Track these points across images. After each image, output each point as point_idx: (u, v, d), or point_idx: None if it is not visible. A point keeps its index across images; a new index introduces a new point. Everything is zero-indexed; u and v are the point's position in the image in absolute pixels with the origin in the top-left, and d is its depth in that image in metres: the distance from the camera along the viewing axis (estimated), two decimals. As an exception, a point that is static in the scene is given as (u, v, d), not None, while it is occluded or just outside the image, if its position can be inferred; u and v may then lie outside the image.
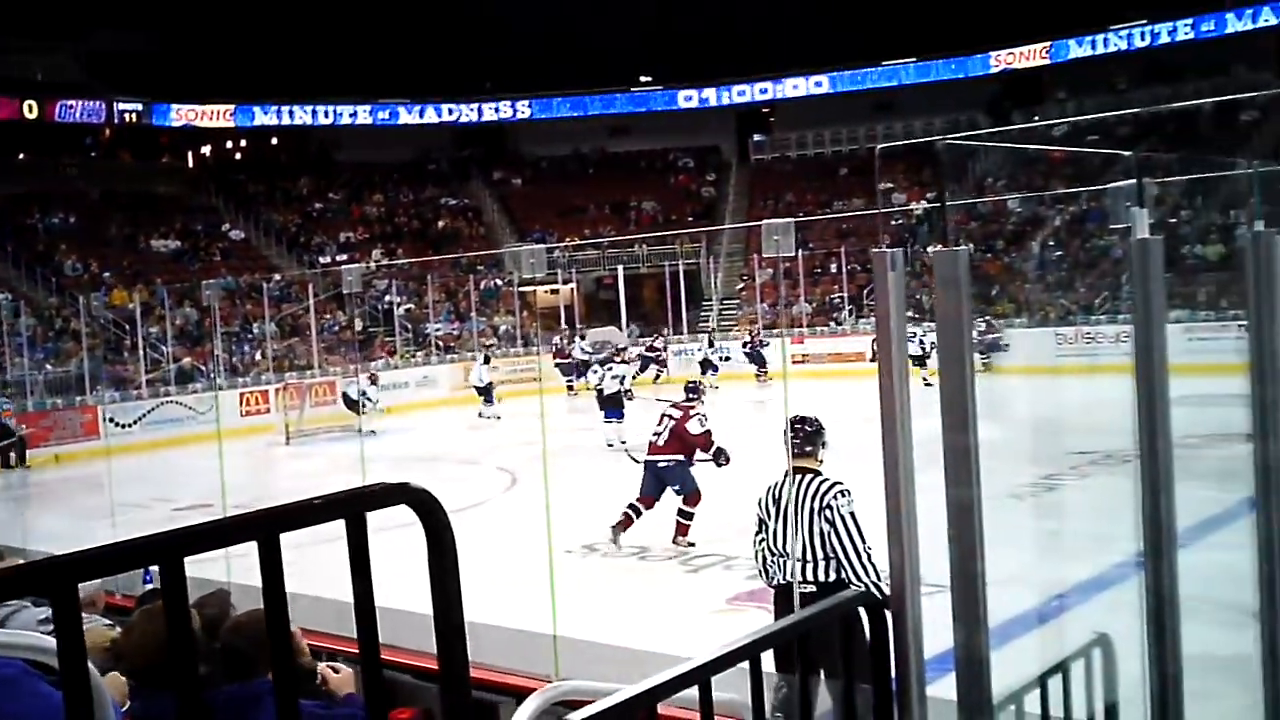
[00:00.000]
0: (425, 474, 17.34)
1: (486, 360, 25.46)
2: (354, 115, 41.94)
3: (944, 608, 2.66)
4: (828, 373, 28.10)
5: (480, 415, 23.91)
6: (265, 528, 1.48)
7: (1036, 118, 39.37)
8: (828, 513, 5.70)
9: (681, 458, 11.43)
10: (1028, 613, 6.82)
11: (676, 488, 11.42)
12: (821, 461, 6.07)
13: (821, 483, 5.83)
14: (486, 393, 24.07)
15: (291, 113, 41.05)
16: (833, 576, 5.69)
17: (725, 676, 2.33)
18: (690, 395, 12.16)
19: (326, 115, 41.60)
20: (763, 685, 2.30)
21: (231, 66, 38.82)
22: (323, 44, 38.73)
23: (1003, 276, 31.53)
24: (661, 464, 11.47)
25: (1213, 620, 6.33)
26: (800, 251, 32.52)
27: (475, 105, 43.39)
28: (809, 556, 5.72)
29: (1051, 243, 31.82)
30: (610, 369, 20.21)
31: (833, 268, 33.93)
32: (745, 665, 2.38)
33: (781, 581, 5.85)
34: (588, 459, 17.89)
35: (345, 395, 22.89)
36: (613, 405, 19.50)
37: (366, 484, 1.62)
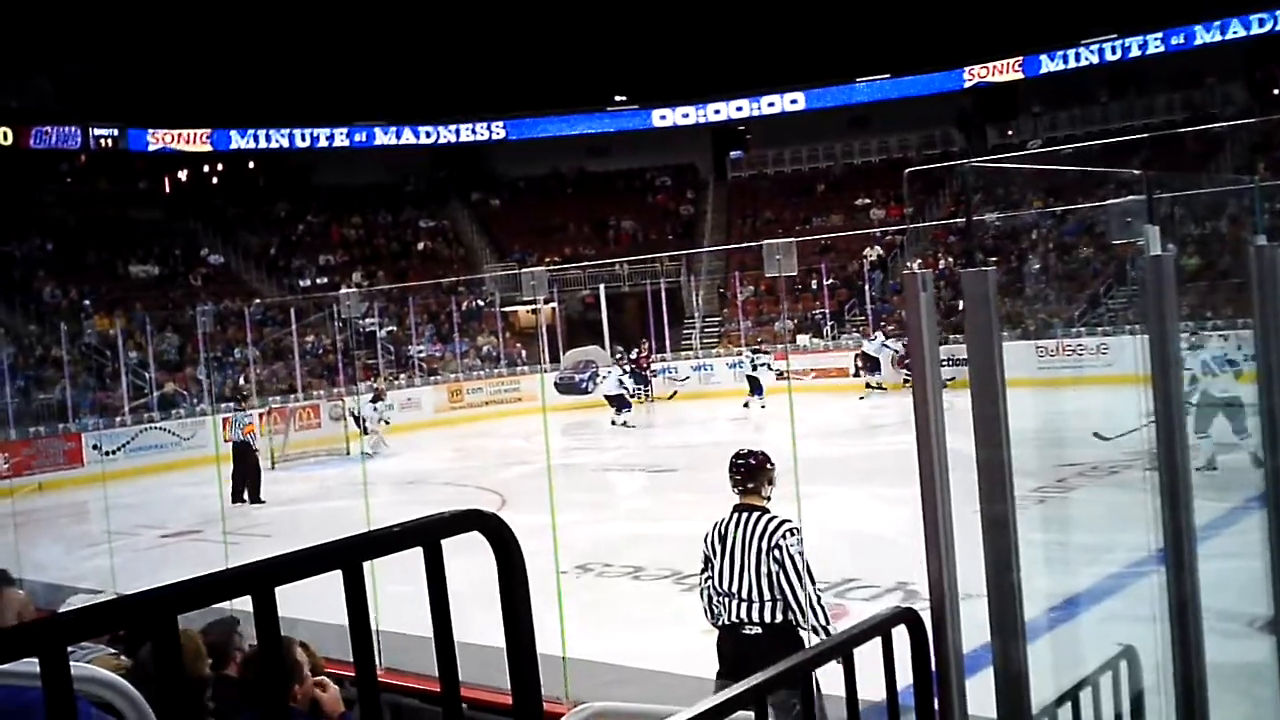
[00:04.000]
0: (414, 497, 17.32)
1: (625, 370, 26.15)
2: (331, 138, 41.93)
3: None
4: (812, 388, 28.29)
5: (613, 423, 24.69)
6: (348, 557, 1.50)
7: (1010, 132, 39.75)
8: (776, 552, 5.47)
9: None
10: (1036, 623, 6.86)
11: None
12: (768, 499, 5.76)
13: (770, 520, 5.60)
14: (621, 402, 24.78)
15: (268, 136, 41.04)
16: (779, 618, 5.48)
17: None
18: None
19: (303, 139, 41.58)
20: (814, 704, 2.33)
21: (207, 91, 38.77)
22: (298, 67, 38.73)
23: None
24: None
25: (1211, 629, 6.40)
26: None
27: (452, 127, 43.43)
28: (756, 596, 5.50)
29: (1030, 256, 32.05)
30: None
31: (813, 284, 34.05)
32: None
33: (727, 622, 5.62)
34: (573, 479, 17.91)
35: (353, 414, 23.01)
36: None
37: (440, 512, 1.64)
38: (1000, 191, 35.37)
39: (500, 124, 43.77)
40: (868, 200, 38.49)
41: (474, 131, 43.78)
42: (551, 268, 34.29)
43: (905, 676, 2.56)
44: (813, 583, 5.49)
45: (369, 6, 38.85)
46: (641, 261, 34.45)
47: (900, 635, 2.51)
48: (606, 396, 24.78)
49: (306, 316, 30.73)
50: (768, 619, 5.47)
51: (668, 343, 32.72)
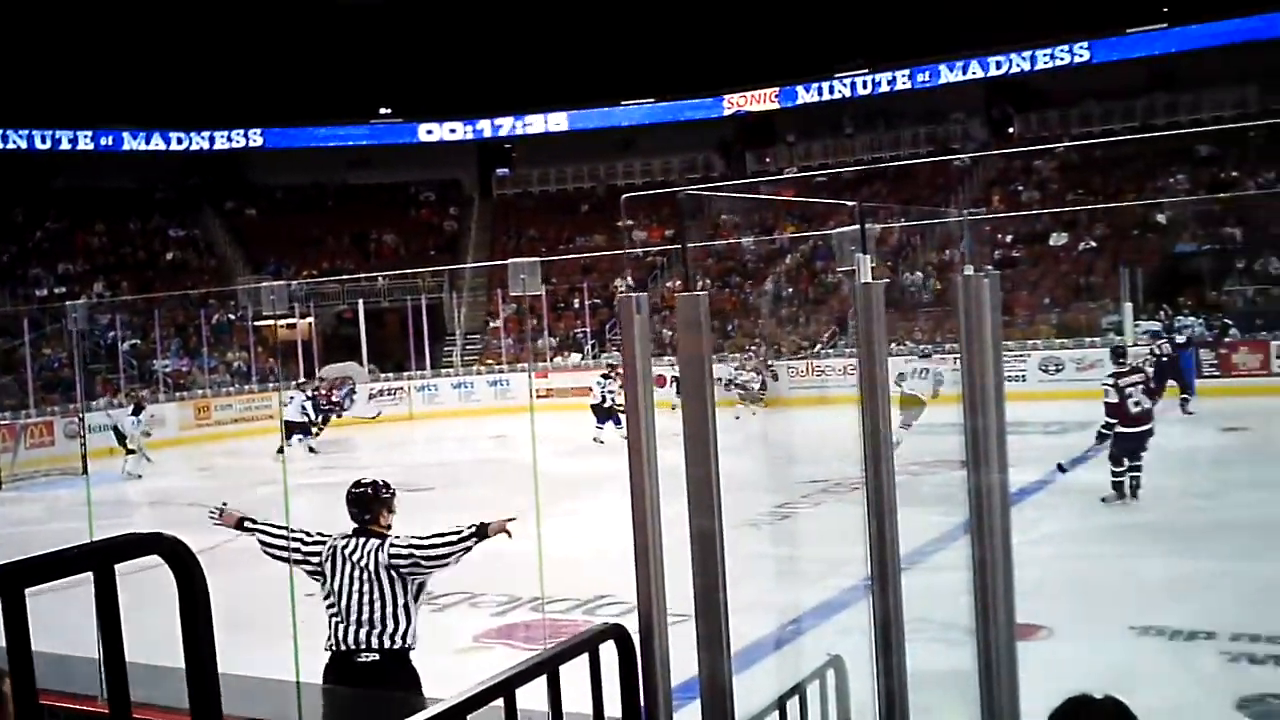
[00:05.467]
0: (155, 518, 16.58)
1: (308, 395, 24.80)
2: (74, 140, 39.79)
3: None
4: (571, 406, 28.44)
5: (295, 445, 23.35)
6: (8, 582, 1.43)
7: (768, 159, 41.12)
8: (398, 561, 5.38)
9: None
10: (766, 638, 7.06)
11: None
12: (388, 527, 5.63)
13: (391, 543, 5.48)
14: (302, 428, 23.48)
15: (4, 137, 38.63)
16: (398, 644, 5.37)
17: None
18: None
19: (44, 140, 39.31)
20: (518, 720, 2.34)
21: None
22: (39, 65, 36.62)
23: (739, 312, 32.63)
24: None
25: (935, 638, 6.75)
26: (544, 287, 32.84)
27: (206, 133, 41.88)
28: (376, 621, 5.35)
29: (784, 279, 33.18)
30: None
31: (575, 303, 34.34)
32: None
33: (340, 649, 5.41)
34: (326, 498, 17.49)
35: (116, 429, 21.87)
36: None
37: (117, 534, 1.58)
38: (756, 217, 36.55)
39: (257, 132, 42.48)
40: (630, 222, 39.05)
41: (229, 139, 42.35)
42: (309, 280, 33.50)
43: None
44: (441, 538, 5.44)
45: (119, 4, 37.08)
46: (403, 276, 34.05)
47: (609, 651, 2.56)
48: (286, 421, 23.68)
49: (41, 327, 29.01)
50: (385, 644, 5.34)
51: (428, 359, 32.37)
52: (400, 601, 5.34)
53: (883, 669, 2.98)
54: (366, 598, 5.33)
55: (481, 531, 5.50)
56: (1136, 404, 12.73)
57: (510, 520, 5.64)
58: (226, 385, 30.65)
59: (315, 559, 5.58)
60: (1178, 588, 9.32)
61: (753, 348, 27.44)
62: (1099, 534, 11.93)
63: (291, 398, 23.91)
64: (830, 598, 8.52)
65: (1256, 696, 6.58)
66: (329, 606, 5.51)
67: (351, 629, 5.35)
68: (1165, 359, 22.52)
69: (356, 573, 5.38)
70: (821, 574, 9.28)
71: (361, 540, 5.48)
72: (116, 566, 1.56)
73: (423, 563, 5.39)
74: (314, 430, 23.73)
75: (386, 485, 5.72)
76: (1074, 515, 12.88)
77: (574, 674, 2.73)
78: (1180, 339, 22.68)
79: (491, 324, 35.08)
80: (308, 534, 5.65)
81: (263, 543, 5.81)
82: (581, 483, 15.03)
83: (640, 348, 2.57)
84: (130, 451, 21.54)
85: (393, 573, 5.35)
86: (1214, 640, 7.74)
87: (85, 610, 1.66)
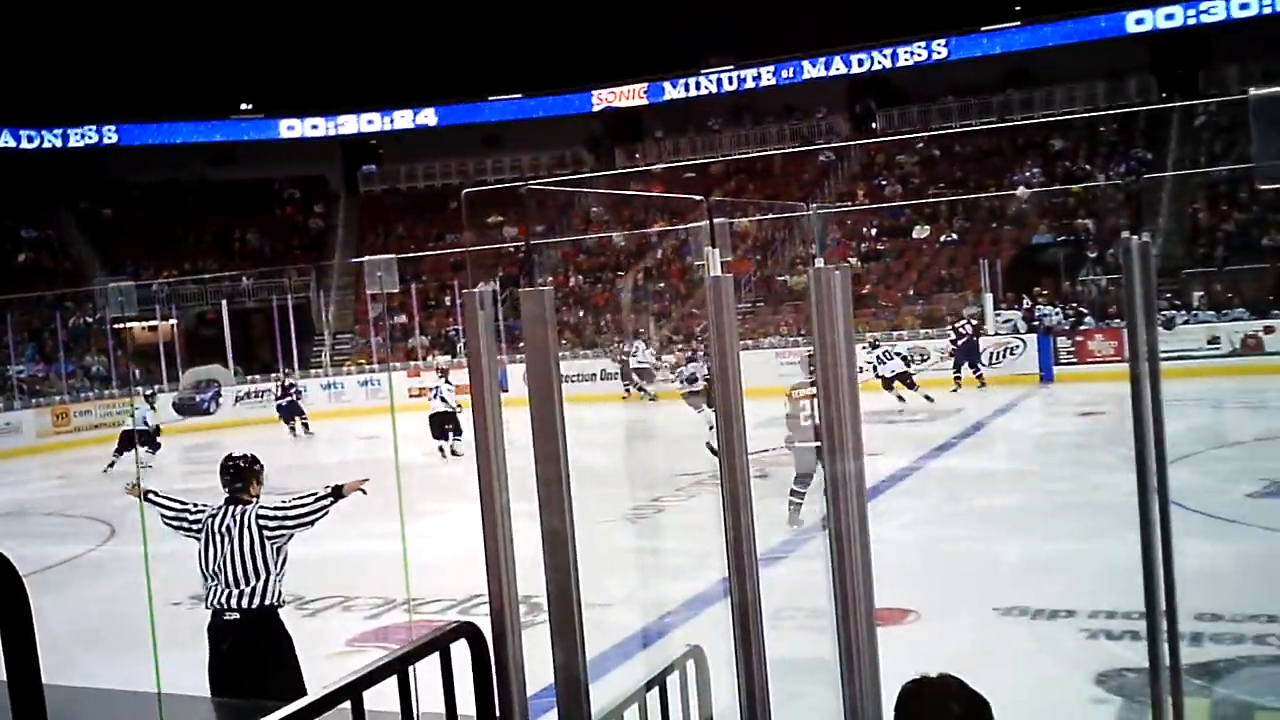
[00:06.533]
0: (12, 530, 15.95)
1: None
2: (-85, 139, 38.19)
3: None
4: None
5: (110, 466, 21.79)
6: None
7: (637, 154, 41.30)
8: (263, 522, 5.90)
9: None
10: (636, 633, 7.07)
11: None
12: (257, 496, 6.18)
13: (258, 507, 6.03)
14: (143, 440, 21.94)
15: None
16: (257, 602, 5.81)
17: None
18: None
19: (-118, 138, 37.65)
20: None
21: None
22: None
23: (610, 307, 32.68)
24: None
25: (802, 626, 6.85)
26: (414, 284, 32.52)
27: (58, 130, 40.46)
28: (240, 581, 5.83)
29: (655, 273, 33.32)
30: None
31: (446, 300, 34.04)
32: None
33: (214, 606, 5.90)
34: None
35: None
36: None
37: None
38: (625, 212, 36.65)
39: (113, 129, 41.19)
40: (500, 218, 38.89)
41: (83, 136, 40.99)
42: (170, 281, 32.63)
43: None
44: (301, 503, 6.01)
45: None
46: (267, 275, 33.35)
47: (462, 650, 2.53)
48: (125, 432, 22.07)
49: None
50: (235, 604, 5.80)
51: (296, 360, 31.77)
52: (261, 562, 5.85)
53: (742, 658, 3.01)
54: (232, 561, 5.84)
55: (337, 492, 6.08)
56: (809, 417, 10.81)
57: (364, 481, 6.31)
58: (86, 390, 29.69)
59: (197, 527, 6.07)
60: (1038, 568, 9.59)
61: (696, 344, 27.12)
62: (964, 518, 12.22)
63: (138, 407, 22.92)
64: (698, 591, 8.58)
65: (1114, 671, 6.80)
66: (204, 572, 5.99)
67: (221, 590, 5.85)
68: (963, 340, 23.58)
69: (226, 539, 5.90)
70: (689, 567, 9.33)
71: (231, 508, 6.02)
72: None
73: (287, 524, 5.94)
74: (159, 440, 22.48)
75: (256, 459, 6.32)
76: (941, 500, 13.19)
77: (433, 674, 2.71)
78: (966, 326, 24.50)
79: (394, 319, 34.62)
80: (196, 505, 6.20)
81: (162, 515, 6.28)
82: (458, 481, 14.91)
83: (485, 344, 2.54)
84: None
85: (257, 534, 5.88)
86: (1073, 618, 7.96)
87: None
